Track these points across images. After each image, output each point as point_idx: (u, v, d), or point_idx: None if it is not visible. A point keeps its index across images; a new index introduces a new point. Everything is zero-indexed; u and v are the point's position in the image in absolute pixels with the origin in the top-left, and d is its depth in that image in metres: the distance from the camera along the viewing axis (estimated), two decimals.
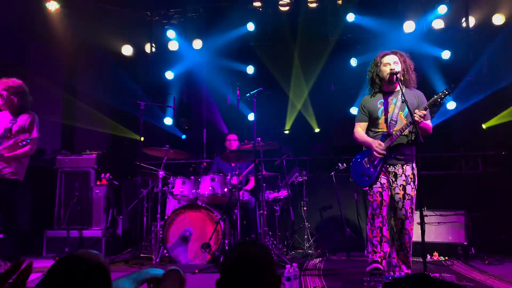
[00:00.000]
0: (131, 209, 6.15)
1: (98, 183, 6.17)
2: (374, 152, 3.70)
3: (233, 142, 6.24)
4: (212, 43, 7.41)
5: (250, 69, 7.63)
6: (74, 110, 7.62)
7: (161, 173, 5.36)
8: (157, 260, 4.89)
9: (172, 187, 5.25)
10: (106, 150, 6.74)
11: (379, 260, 3.68)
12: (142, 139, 5.47)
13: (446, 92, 3.53)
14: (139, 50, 7.75)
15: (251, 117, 7.37)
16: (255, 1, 7.14)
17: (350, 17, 7.08)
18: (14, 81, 4.47)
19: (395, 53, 3.79)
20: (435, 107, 6.55)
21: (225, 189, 5.18)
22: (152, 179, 5.86)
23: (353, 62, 7.21)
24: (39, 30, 6.96)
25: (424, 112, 3.52)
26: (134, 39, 7.63)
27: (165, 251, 5.03)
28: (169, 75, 7.71)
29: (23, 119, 4.48)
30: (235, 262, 1.45)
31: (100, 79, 7.50)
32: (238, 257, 1.46)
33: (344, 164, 5.59)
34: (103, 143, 7.55)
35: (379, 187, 3.72)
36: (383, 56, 3.79)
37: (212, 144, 7.52)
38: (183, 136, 8.02)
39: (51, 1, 6.84)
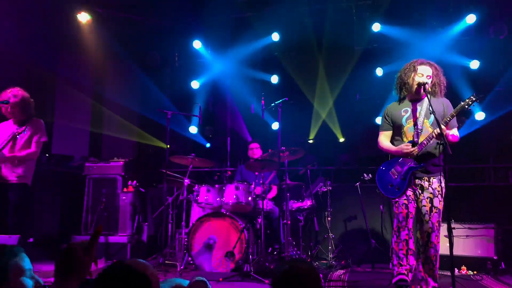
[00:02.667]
0: (156, 216, 6.24)
1: (125, 190, 6.29)
2: (405, 151, 3.63)
3: (255, 150, 6.27)
4: (237, 53, 7.48)
5: (274, 79, 7.66)
6: (102, 118, 7.81)
7: (187, 181, 5.43)
8: (182, 267, 4.94)
9: (197, 195, 5.31)
10: (133, 157, 6.86)
11: (405, 272, 3.62)
12: (168, 147, 5.56)
13: (473, 99, 3.47)
14: (165, 59, 7.89)
15: (275, 126, 7.39)
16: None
17: (376, 27, 7.04)
18: (23, 92, 4.51)
19: (431, 65, 3.73)
20: (463, 117, 6.46)
21: (249, 198, 5.20)
22: (177, 186, 5.94)
23: (379, 71, 7.16)
24: (70, 41, 7.18)
25: (439, 131, 3.40)
26: (161, 49, 7.78)
27: (189, 258, 5.07)
28: (195, 84, 7.82)
29: (31, 126, 4.55)
30: (284, 275, 1.55)
31: (127, 88, 7.67)
32: (286, 271, 1.55)
33: (370, 175, 5.54)
34: (130, 150, 7.69)
35: (405, 199, 3.67)
36: (420, 64, 3.74)
37: (236, 153, 7.56)
38: (207, 145, 8.09)
39: (82, 13, 7.07)
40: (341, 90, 7.32)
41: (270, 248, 5.55)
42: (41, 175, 5.80)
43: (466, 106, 3.51)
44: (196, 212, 5.78)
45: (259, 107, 5.47)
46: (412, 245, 3.65)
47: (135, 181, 6.32)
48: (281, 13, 7.25)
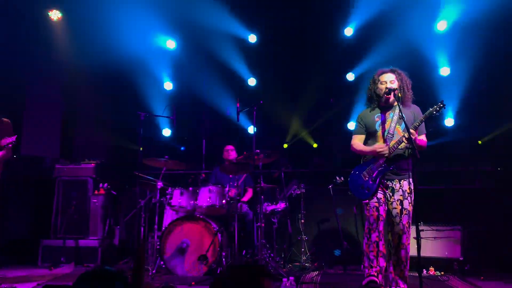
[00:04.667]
0: (128, 219, 6.15)
1: (96, 192, 6.18)
2: (379, 150, 3.71)
3: (231, 152, 6.27)
4: (214, 55, 7.46)
5: (252, 81, 7.69)
6: (74, 118, 7.65)
7: (160, 184, 5.38)
8: (154, 271, 4.89)
9: (170, 198, 5.27)
10: (105, 159, 6.75)
11: (375, 274, 3.69)
12: (141, 149, 5.49)
13: (441, 105, 3.60)
14: (139, 60, 7.78)
15: (251, 129, 7.41)
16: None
17: (349, 31, 7.18)
18: None
19: (392, 72, 3.85)
20: (433, 122, 6.63)
21: (223, 201, 5.20)
22: (150, 189, 5.86)
23: (350, 76, 7.30)
24: (41, 38, 7.02)
25: (408, 134, 3.51)
26: (135, 49, 7.67)
27: (161, 262, 5.03)
28: (168, 85, 7.76)
29: (4, 127, 4.47)
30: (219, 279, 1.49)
31: (100, 89, 7.52)
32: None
33: (342, 178, 5.61)
34: (102, 152, 7.56)
35: (376, 201, 3.74)
36: (380, 74, 3.87)
37: (212, 155, 7.54)
38: (182, 148, 8.04)
39: (54, 10, 6.94)
40: (315, 94, 7.40)
41: (244, 251, 5.56)
42: (9, 177, 5.66)
43: (435, 112, 3.62)
44: (169, 216, 5.73)
45: (234, 109, 5.47)
46: (382, 247, 3.72)
47: (106, 184, 6.22)
48: (260, 15, 7.31)
